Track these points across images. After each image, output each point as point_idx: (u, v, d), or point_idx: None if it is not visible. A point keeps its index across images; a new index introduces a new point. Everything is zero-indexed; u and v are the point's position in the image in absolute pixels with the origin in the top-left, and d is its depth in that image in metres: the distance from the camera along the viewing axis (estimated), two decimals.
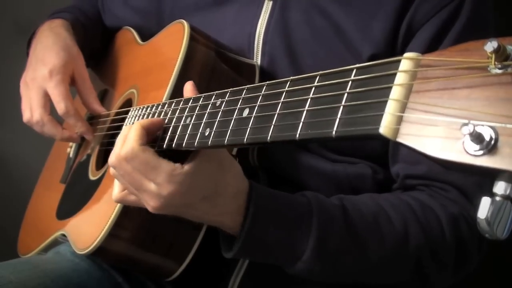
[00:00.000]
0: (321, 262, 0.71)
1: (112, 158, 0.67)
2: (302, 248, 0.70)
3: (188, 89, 0.71)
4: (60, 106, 0.95)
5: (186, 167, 0.64)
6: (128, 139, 0.65)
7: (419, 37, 0.80)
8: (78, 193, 0.97)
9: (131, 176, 0.66)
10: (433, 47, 0.79)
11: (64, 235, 0.94)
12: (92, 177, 0.95)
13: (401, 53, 0.82)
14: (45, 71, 0.97)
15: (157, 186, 0.64)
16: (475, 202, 0.80)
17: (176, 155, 0.66)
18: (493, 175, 0.35)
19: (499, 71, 0.35)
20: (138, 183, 0.66)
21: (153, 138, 0.70)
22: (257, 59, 0.89)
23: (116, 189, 0.72)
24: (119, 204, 0.78)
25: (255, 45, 0.89)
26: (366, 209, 0.75)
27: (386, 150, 0.86)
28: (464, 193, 0.80)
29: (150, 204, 0.66)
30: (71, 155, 1.10)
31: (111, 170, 0.70)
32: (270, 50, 0.88)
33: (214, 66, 0.84)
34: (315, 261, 0.70)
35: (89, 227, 0.84)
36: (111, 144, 0.93)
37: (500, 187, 0.35)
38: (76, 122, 0.98)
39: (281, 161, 0.86)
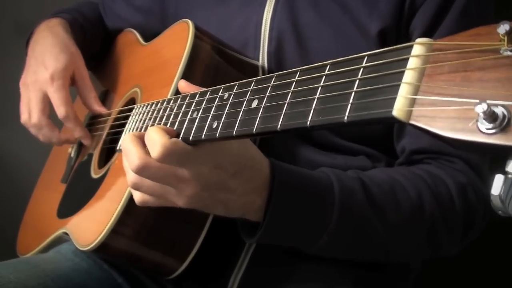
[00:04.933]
0: (345, 233, 0.72)
1: (136, 161, 0.62)
2: (327, 220, 0.70)
3: (183, 85, 0.71)
4: (61, 111, 0.97)
5: (215, 144, 0.63)
6: (153, 141, 0.61)
7: (422, 12, 0.82)
8: (80, 191, 0.97)
9: (163, 172, 0.62)
10: (435, 23, 0.81)
11: (66, 233, 0.93)
12: (95, 175, 0.95)
13: (406, 29, 0.84)
14: (47, 75, 0.98)
15: (193, 170, 0.62)
16: (479, 172, 0.82)
17: None
18: (506, 153, 0.36)
19: (511, 53, 0.36)
20: (172, 176, 0.63)
21: None
22: (264, 45, 0.90)
23: (137, 194, 0.68)
24: (122, 201, 0.78)
25: (262, 32, 0.90)
26: (381, 180, 0.76)
27: (389, 134, 0.87)
28: (470, 164, 0.82)
29: (188, 191, 0.63)
30: (72, 155, 1.10)
31: (131, 181, 0.66)
32: (278, 35, 0.89)
33: (218, 65, 0.85)
34: (339, 233, 0.71)
35: (92, 224, 0.84)
36: (114, 141, 0.94)
37: None
38: (75, 126, 0.99)
39: (282, 155, 0.86)
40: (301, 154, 0.86)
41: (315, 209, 0.70)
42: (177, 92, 0.80)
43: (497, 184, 0.36)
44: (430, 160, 0.83)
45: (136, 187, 0.66)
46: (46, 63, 0.99)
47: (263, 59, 0.90)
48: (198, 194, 0.64)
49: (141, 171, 0.63)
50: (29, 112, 1.00)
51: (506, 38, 0.36)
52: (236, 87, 0.61)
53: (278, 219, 0.69)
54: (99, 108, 1.03)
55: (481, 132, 0.36)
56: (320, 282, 0.86)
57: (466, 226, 0.80)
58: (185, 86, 0.71)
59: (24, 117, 1.01)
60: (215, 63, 0.85)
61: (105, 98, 1.11)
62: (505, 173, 0.36)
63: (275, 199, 0.68)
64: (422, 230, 0.77)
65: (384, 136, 0.88)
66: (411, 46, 0.42)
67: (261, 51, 0.90)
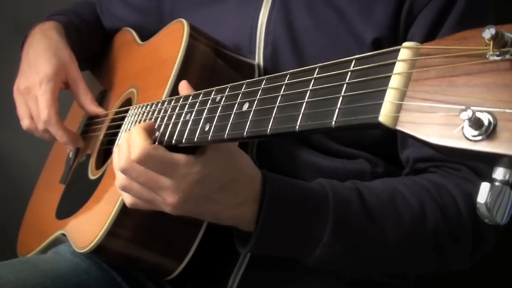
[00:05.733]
0: (341, 246, 0.70)
1: (122, 162, 0.65)
2: (321, 232, 0.69)
3: (183, 87, 0.71)
4: (43, 114, 0.96)
5: (201, 156, 0.63)
6: (135, 142, 0.63)
7: (420, 21, 0.81)
8: (78, 192, 0.97)
9: (146, 177, 0.64)
10: (434, 30, 0.80)
11: (64, 234, 0.93)
12: (92, 176, 0.95)
13: (404, 37, 0.82)
14: (37, 80, 0.98)
15: (174, 180, 0.63)
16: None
17: (177, 152, 0.65)
18: (492, 160, 0.35)
19: (497, 58, 0.36)
20: (154, 182, 0.64)
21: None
22: (260, 50, 0.89)
23: (127, 197, 0.69)
24: (119, 203, 0.78)
25: (257, 36, 0.89)
26: (381, 191, 0.75)
27: (387, 140, 0.86)
28: (475, 170, 0.79)
29: (169, 200, 0.64)
30: (70, 155, 1.10)
31: (120, 182, 0.67)
32: (273, 40, 0.88)
33: (213, 65, 0.84)
34: (334, 245, 0.69)
35: (89, 226, 0.84)
36: (111, 142, 0.94)
37: (499, 173, 0.36)
38: (56, 131, 0.98)
39: (280, 158, 0.86)
40: (301, 156, 0.86)
41: (308, 222, 0.69)
42: (172, 93, 0.80)
43: (483, 192, 0.36)
44: (434, 169, 0.81)
45: (125, 189, 0.67)
46: (38, 68, 0.99)
47: (258, 63, 0.89)
48: (181, 204, 0.64)
49: (125, 171, 0.65)
50: (33, 119, 0.99)
51: (491, 43, 0.35)
52: (228, 89, 0.61)
53: (269, 233, 0.68)
54: (95, 109, 1.02)
55: (467, 139, 0.35)
56: (320, 282, 0.86)
57: (476, 238, 0.77)
58: (185, 88, 0.71)
59: (25, 123, 1.01)
60: (210, 63, 0.84)
61: (103, 98, 1.10)
62: (491, 180, 0.36)
63: (265, 213, 0.67)
64: (425, 242, 0.75)
65: (382, 142, 0.86)
66: (398, 50, 0.41)
67: (256, 56, 0.89)
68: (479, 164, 0.78)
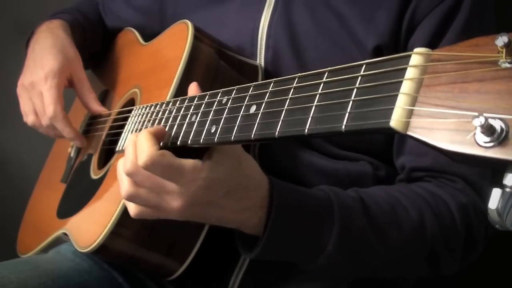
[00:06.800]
0: (343, 254, 0.71)
1: (128, 166, 0.64)
2: (325, 241, 0.69)
3: (193, 89, 0.71)
4: (49, 110, 0.96)
5: (207, 161, 0.63)
6: (142, 148, 0.62)
7: (422, 28, 0.81)
8: (80, 192, 0.97)
9: (151, 181, 0.63)
10: (436, 38, 0.80)
11: (65, 234, 0.93)
12: (94, 176, 0.95)
13: (405, 45, 0.83)
14: (42, 75, 0.98)
15: (180, 186, 0.63)
16: (480, 192, 0.81)
17: (184, 154, 0.65)
18: (503, 167, 0.36)
19: (509, 66, 0.36)
20: (160, 187, 0.63)
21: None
22: (261, 53, 0.89)
23: (132, 207, 0.68)
24: (122, 203, 0.78)
25: (259, 39, 0.90)
26: (382, 200, 0.75)
27: (389, 144, 0.86)
28: (470, 183, 0.81)
29: (174, 205, 0.64)
30: (72, 154, 1.10)
31: (126, 190, 0.66)
32: (274, 44, 0.89)
33: (217, 66, 0.84)
34: (337, 254, 0.70)
35: (91, 225, 0.84)
36: (114, 142, 0.94)
37: (510, 179, 0.36)
38: (63, 127, 0.98)
39: (282, 158, 0.86)
40: (302, 157, 0.86)
41: (313, 231, 0.70)
42: (176, 93, 0.80)
43: (495, 198, 0.36)
44: (430, 179, 0.82)
45: (132, 197, 0.67)
46: (43, 63, 0.99)
47: (260, 66, 0.89)
48: (186, 208, 0.64)
49: (130, 175, 0.65)
50: (37, 114, 0.99)
51: (504, 51, 0.36)
52: (234, 91, 0.61)
53: (276, 240, 0.68)
54: (98, 108, 1.02)
55: (479, 146, 0.35)
56: (321, 282, 0.86)
57: (467, 246, 0.79)
58: (194, 90, 0.71)
59: (30, 119, 1.00)
60: (214, 64, 0.84)
61: (105, 97, 1.10)
62: (502, 186, 0.36)
63: (273, 220, 0.67)
64: (422, 250, 0.76)
65: (383, 147, 0.87)
66: (409, 56, 0.41)
67: (258, 59, 0.89)
68: (474, 176, 0.81)
